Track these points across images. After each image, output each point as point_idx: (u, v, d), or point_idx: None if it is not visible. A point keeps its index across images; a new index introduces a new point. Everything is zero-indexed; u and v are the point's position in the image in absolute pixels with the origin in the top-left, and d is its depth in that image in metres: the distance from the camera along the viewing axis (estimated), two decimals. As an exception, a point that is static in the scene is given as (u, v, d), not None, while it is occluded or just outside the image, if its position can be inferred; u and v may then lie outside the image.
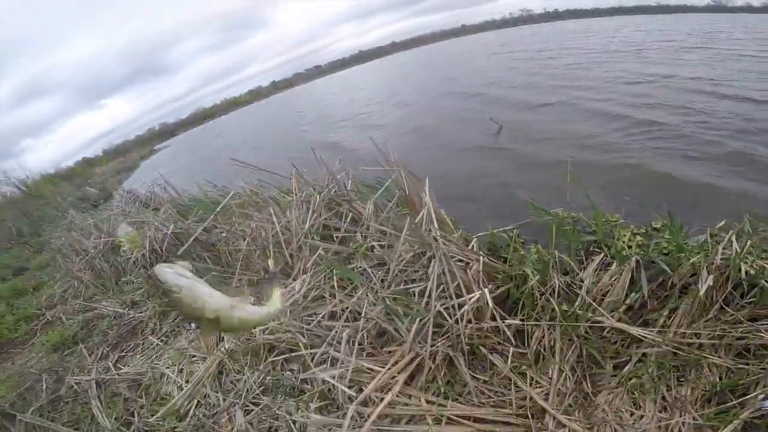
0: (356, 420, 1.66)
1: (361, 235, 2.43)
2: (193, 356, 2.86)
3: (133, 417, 2.52)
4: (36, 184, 17.03)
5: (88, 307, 4.45)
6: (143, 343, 3.43)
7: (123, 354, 3.40)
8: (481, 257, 2.14)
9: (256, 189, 2.88)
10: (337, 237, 2.47)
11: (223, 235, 3.53)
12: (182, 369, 2.78)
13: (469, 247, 2.27)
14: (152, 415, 2.45)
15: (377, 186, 3.43)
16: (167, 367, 2.86)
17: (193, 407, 2.38)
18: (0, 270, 8.63)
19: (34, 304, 5.44)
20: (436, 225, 2.18)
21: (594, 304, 1.83)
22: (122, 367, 3.18)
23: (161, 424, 2.36)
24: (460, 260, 2.03)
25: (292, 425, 1.96)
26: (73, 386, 3.14)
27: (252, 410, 2.19)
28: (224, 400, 2.32)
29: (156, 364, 3.00)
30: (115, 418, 2.56)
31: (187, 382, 2.61)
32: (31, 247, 8.40)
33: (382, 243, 2.37)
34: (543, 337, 1.82)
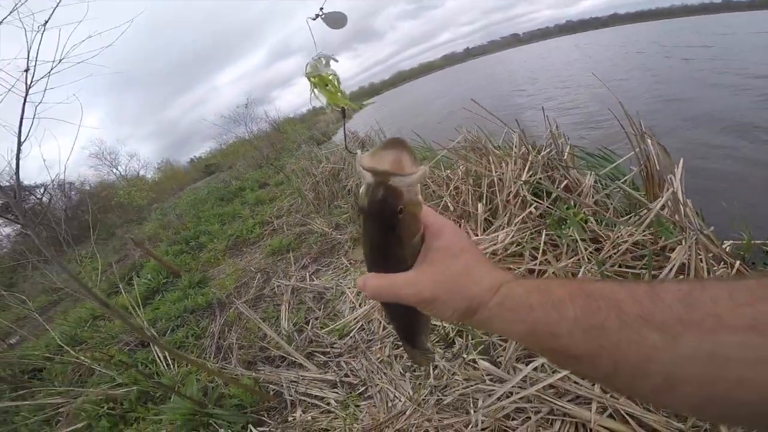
0: (522, 381, 1.65)
1: (575, 203, 2.21)
2: None
3: (307, 326, 2.89)
4: (281, 123, 21.90)
5: (303, 222, 5.32)
6: (336, 262, 3.87)
7: (319, 267, 3.90)
8: (737, 263, 1.71)
9: (477, 137, 2.92)
10: (549, 197, 2.31)
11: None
12: (360, 293, 2.94)
13: (723, 248, 1.82)
14: (322, 328, 2.78)
15: (601, 156, 3.04)
16: (348, 288, 3.19)
17: (356, 330, 2.63)
18: (251, 183, 11.22)
19: (267, 212, 6.74)
20: (688, 211, 1.81)
21: None
22: (315, 280, 3.63)
23: (325, 337, 2.66)
24: (709, 260, 1.65)
25: (431, 369, 2.03)
26: (274, 288, 3.77)
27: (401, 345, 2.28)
28: (384, 329, 2.51)
29: (341, 283, 3.37)
30: (294, 323, 2.96)
31: (360, 305, 2.88)
32: (274, 168, 10.75)
33: (600, 217, 2.11)
34: None
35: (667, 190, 2.00)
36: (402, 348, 2.29)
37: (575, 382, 1.58)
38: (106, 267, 5.80)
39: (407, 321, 0.62)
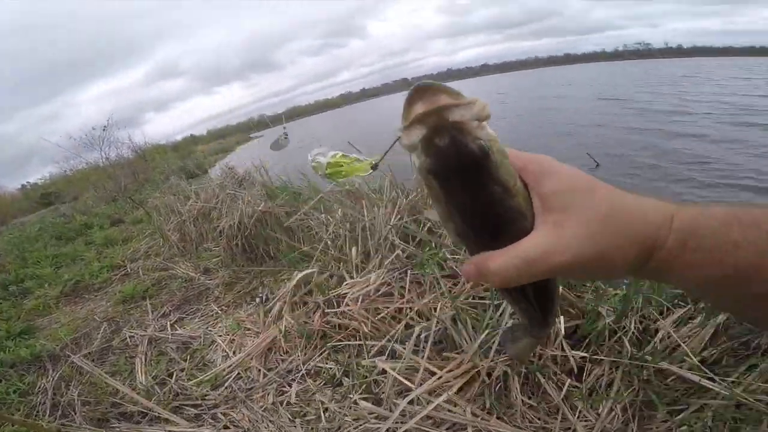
0: (402, 416, 1.73)
1: (435, 245, 2.49)
2: (248, 329, 2.98)
3: (171, 378, 2.65)
4: (148, 151, 19.53)
5: (164, 266, 4.85)
6: (204, 309, 3.62)
7: (183, 316, 3.61)
8: (560, 288, 2.12)
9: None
10: (414, 240, 2.56)
11: (302, 221, 3.77)
12: (233, 340, 2.90)
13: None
14: (189, 380, 2.58)
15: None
16: (219, 336, 3.00)
17: (231, 379, 2.49)
18: (100, 219, 9.82)
19: (120, 255, 6.00)
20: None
21: (666, 351, 1.78)
22: (178, 329, 3.35)
23: (195, 389, 2.47)
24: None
25: (323, 413, 2.02)
26: (126, 339, 3.37)
27: (287, 391, 2.26)
28: (265, 376, 2.42)
29: (210, 330, 3.15)
30: (153, 376, 2.71)
31: (234, 353, 2.74)
32: (133, 202, 9.50)
33: (456, 257, 2.41)
34: (602, 375, 1.78)
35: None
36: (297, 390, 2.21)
37: (449, 411, 1.72)
38: None
39: (543, 295, 0.44)
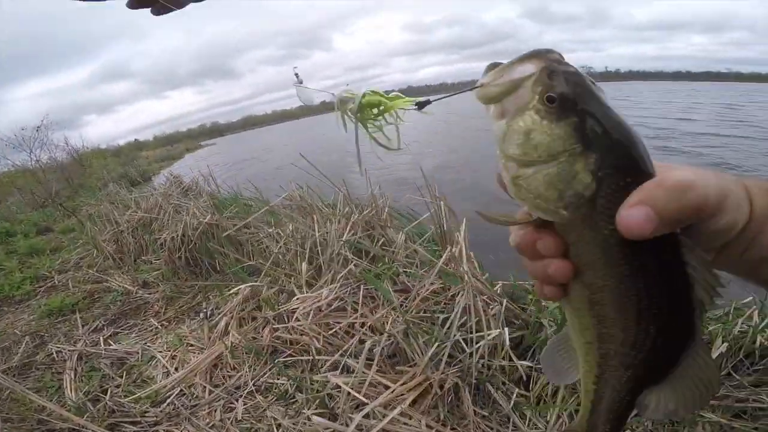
0: (358, 430, 1.72)
1: (389, 260, 2.52)
2: (191, 345, 2.85)
3: (105, 394, 2.49)
4: (86, 154, 18.03)
5: (98, 279, 4.51)
6: (143, 324, 3.44)
7: (118, 331, 3.40)
8: (504, 301, 2.21)
9: (305, 195, 3.06)
10: (367, 255, 2.58)
11: (252, 234, 3.67)
12: (175, 356, 2.77)
13: (495, 290, 2.33)
14: (125, 396, 2.43)
15: (409, 215, 3.55)
16: (160, 351, 2.86)
17: (174, 396, 2.37)
18: (26, 227, 8.89)
19: (46, 265, 5.48)
20: (465, 263, 2.28)
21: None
22: (112, 344, 3.15)
23: (133, 406, 2.34)
24: (485, 300, 2.10)
25: (275, 429, 1.97)
26: (52, 353, 3.11)
27: (235, 408, 2.18)
28: (211, 393, 2.32)
29: (149, 346, 3.00)
30: (85, 393, 2.53)
31: (176, 369, 2.61)
32: (64, 209, 8.74)
33: (408, 271, 2.46)
34: (548, 383, 1.87)
35: (456, 245, 2.50)
36: (247, 406, 2.10)
37: (404, 424, 1.72)
38: None
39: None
